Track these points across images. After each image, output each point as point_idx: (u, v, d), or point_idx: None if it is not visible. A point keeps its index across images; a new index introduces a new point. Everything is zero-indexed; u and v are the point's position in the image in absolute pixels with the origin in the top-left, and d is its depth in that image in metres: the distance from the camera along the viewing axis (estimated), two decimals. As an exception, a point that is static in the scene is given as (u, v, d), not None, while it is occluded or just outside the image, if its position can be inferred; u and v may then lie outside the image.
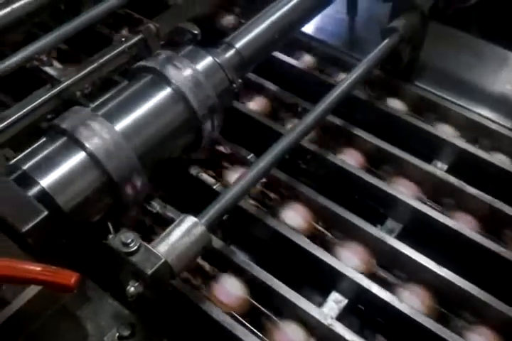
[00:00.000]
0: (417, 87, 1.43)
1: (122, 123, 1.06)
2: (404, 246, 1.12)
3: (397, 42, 1.28)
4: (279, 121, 1.39)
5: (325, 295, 1.13)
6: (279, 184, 1.23)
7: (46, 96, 1.16)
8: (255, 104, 1.42)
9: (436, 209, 1.20)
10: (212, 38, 1.36)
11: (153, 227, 1.15)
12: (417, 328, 1.03)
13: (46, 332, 0.89)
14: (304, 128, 1.12)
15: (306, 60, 1.53)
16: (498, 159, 1.30)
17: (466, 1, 1.41)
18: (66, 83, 1.19)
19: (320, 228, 1.18)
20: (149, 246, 0.86)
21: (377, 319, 1.15)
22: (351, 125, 1.34)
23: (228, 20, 1.60)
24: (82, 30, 1.31)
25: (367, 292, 1.07)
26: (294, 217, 1.19)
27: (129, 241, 0.85)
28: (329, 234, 1.18)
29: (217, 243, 1.11)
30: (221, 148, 1.28)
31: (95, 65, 1.23)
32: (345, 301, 1.12)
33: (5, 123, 1.11)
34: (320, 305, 1.10)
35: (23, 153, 1.07)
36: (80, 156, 1.00)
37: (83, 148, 1.00)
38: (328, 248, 1.15)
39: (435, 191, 1.25)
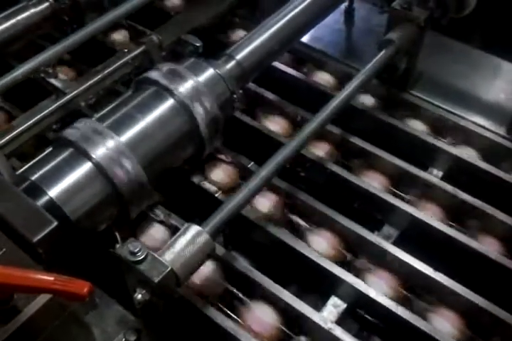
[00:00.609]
0: (412, 96, 1.47)
1: (127, 135, 1.09)
2: (401, 252, 1.16)
3: (393, 53, 1.32)
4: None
5: (324, 299, 1.17)
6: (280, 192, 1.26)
7: (52, 107, 1.20)
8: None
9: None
10: (213, 48, 1.40)
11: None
12: (414, 331, 1.06)
13: (55, 339, 0.92)
14: (305, 138, 1.15)
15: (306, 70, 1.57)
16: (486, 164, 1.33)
17: (460, 11, 1.44)
18: (71, 95, 1.23)
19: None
20: (156, 255, 0.89)
21: (375, 322, 1.18)
22: (348, 133, 1.38)
23: (229, 31, 1.64)
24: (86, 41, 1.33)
25: (365, 296, 1.10)
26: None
27: (136, 250, 0.88)
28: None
29: (219, 249, 1.14)
30: (222, 157, 1.31)
31: (99, 76, 1.27)
32: (344, 305, 1.15)
33: (12, 134, 1.14)
34: (319, 309, 1.13)
35: (31, 164, 1.11)
36: (86, 167, 1.04)
37: (89, 158, 1.04)
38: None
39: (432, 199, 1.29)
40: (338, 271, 1.13)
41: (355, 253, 1.20)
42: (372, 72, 1.29)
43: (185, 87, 1.14)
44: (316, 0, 1.39)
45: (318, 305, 1.14)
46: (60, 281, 0.75)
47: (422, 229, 1.22)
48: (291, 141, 1.14)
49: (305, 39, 1.58)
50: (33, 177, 1.02)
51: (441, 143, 1.37)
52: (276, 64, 1.51)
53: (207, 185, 1.27)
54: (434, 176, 1.32)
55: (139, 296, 0.89)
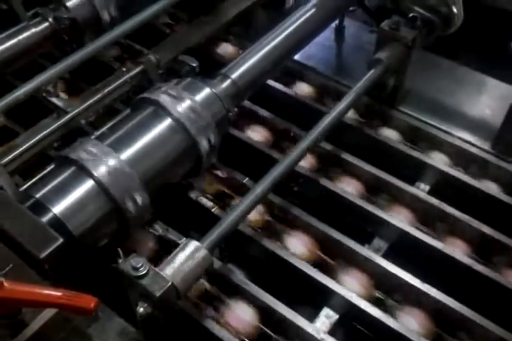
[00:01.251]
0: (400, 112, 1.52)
1: (127, 153, 1.13)
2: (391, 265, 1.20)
3: (382, 72, 1.37)
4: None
5: (317, 310, 1.21)
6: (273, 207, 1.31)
7: (53, 126, 1.24)
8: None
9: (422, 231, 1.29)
10: (209, 65, 1.45)
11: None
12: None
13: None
14: (299, 155, 1.20)
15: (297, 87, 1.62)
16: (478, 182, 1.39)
17: (446, 30, 1.49)
18: (72, 114, 1.27)
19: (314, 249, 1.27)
20: (157, 270, 0.94)
21: (366, 332, 1.23)
22: (339, 149, 1.43)
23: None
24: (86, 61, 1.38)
25: (356, 307, 1.15)
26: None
27: (138, 265, 0.92)
28: (323, 255, 1.26)
29: (216, 263, 1.18)
30: (218, 172, 1.36)
31: (99, 95, 1.31)
32: (336, 316, 1.19)
33: (16, 152, 1.18)
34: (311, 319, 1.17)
35: (34, 181, 1.15)
36: (88, 184, 1.08)
37: (91, 176, 1.08)
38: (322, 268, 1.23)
39: (418, 212, 1.34)
40: (329, 283, 1.17)
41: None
42: (362, 90, 1.34)
43: (182, 107, 1.18)
44: (308, 20, 1.44)
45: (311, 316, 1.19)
46: (68, 296, 0.79)
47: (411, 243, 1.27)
48: (286, 158, 1.19)
49: (297, 56, 1.63)
50: (38, 195, 1.06)
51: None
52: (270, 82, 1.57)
53: (203, 200, 1.31)
54: (421, 190, 1.37)
55: (141, 309, 0.93)
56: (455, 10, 1.41)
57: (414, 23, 1.42)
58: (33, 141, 1.21)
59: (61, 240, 0.96)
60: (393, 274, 1.19)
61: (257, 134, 1.50)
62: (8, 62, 1.44)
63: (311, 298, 1.24)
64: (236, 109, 1.30)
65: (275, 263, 1.23)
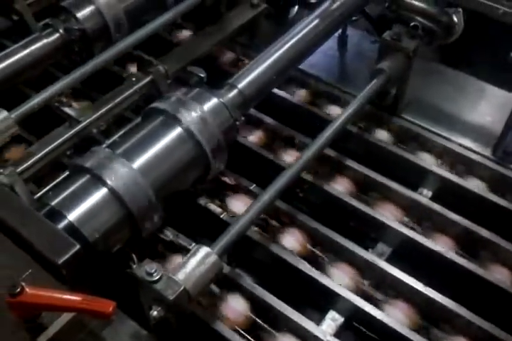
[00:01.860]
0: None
1: (139, 161, 1.17)
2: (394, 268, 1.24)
3: (384, 81, 1.41)
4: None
5: (323, 313, 1.25)
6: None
7: (66, 135, 1.28)
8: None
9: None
10: (216, 75, 1.49)
11: (165, 254, 1.27)
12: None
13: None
14: (305, 162, 1.24)
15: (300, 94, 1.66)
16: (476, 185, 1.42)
17: (447, 39, 1.53)
18: (85, 123, 1.31)
19: (317, 251, 1.30)
20: (170, 275, 0.97)
21: (370, 335, 1.26)
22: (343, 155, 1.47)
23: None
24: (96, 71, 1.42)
25: (360, 310, 1.19)
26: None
27: (152, 271, 0.96)
28: (324, 257, 1.30)
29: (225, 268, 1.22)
30: (226, 179, 1.40)
31: (110, 105, 1.35)
32: (342, 319, 1.23)
33: (31, 161, 1.22)
34: (318, 322, 1.21)
35: (48, 188, 1.20)
36: (102, 192, 1.12)
37: (105, 184, 1.12)
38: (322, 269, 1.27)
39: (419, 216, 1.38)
40: (335, 287, 1.21)
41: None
42: (365, 99, 1.38)
43: (191, 116, 1.23)
44: (312, 30, 1.48)
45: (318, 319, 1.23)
46: (87, 301, 0.83)
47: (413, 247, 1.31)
48: (293, 165, 1.23)
49: (301, 65, 1.66)
50: (53, 203, 1.10)
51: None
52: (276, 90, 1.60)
53: (212, 207, 1.35)
54: (423, 196, 1.41)
55: (155, 313, 0.97)
56: (455, 19, 1.45)
57: (415, 32, 1.46)
58: (47, 150, 1.25)
59: (78, 246, 1.00)
60: (396, 277, 1.23)
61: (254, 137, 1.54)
62: (20, 72, 1.48)
63: (317, 301, 1.28)
64: (242, 118, 1.34)
65: (281, 267, 1.27)
